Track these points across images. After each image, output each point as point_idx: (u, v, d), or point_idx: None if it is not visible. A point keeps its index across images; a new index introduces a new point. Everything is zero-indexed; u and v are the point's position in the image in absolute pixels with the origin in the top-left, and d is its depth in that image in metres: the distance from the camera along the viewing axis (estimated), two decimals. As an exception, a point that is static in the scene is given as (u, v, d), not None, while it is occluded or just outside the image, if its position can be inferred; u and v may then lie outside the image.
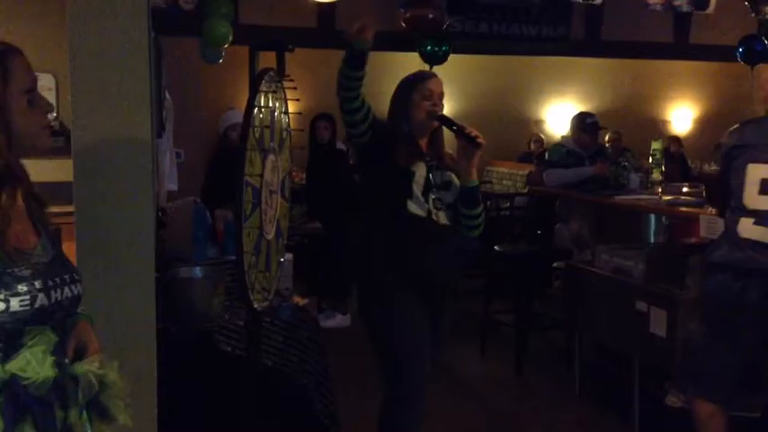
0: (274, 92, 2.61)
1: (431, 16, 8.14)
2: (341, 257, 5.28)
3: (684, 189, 4.94)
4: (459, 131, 2.89)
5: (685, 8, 9.64)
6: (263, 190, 2.48)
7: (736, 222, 3.07)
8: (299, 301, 3.43)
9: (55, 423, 1.52)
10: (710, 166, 8.62)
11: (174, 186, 5.14)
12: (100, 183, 2.54)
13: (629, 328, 3.92)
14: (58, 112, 5.43)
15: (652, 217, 4.73)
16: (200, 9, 6.84)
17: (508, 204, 7.50)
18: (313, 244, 6.06)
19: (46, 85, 5.55)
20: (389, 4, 8.33)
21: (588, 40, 10.18)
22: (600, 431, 4.14)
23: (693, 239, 4.05)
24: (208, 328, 3.09)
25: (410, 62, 7.27)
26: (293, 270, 3.54)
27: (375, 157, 2.97)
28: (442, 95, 3.00)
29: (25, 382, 1.48)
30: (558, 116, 10.88)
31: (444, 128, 3.01)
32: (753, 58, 8.60)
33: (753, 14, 8.66)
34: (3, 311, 1.48)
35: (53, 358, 1.52)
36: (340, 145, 6.33)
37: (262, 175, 2.45)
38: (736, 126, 3.23)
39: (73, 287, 1.62)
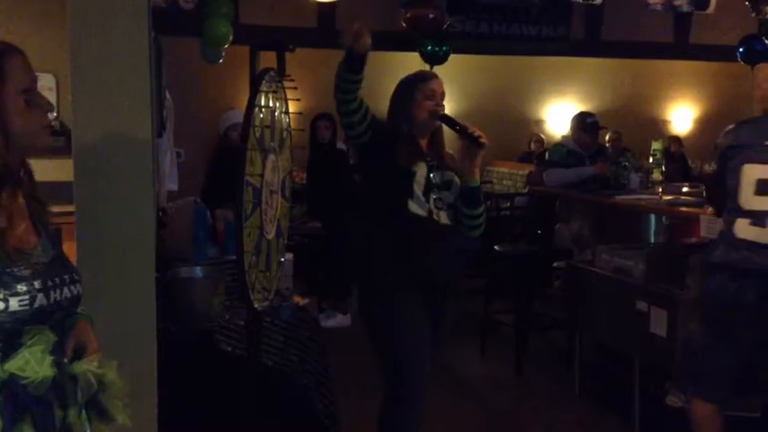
0: (275, 92, 2.61)
1: (431, 16, 8.15)
2: (341, 257, 5.29)
3: (685, 189, 4.95)
4: (463, 131, 2.89)
5: (685, 8, 9.62)
6: (264, 190, 2.48)
7: (733, 223, 3.07)
8: (300, 300, 3.43)
9: (54, 422, 1.53)
10: (710, 165, 8.58)
11: (174, 186, 5.13)
12: (100, 182, 2.54)
13: (629, 327, 3.92)
14: (58, 112, 5.43)
15: (652, 217, 4.73)
16: (201, 9, 6.85)
17: (508, 204, 7.50)
18: (313, 244, 6.05)
19: (46, 84, 5.55)
20: (389, 4, 8.34)
21: (588, 40, 10.18)
22: (600, 431, 4.14)
23: (694, 239, 4.05)
24: (208, 327, 3.08)
25: (410, 62, 7.26)
26: (293, 270, 3.54)
27: (375, 157, 2.96)
28: (443, 95, 3.00)
29: (24, 382, 1.48)
30: (558, 116, 10.87)
31: (444, 127, 3.01)
32: (753, 57, 8.58)
33: (753, 14, 8.65)
34: (2, 311, 1.48)
35: (52, 358, 1.52)
36: (340, 145, 6.33)
37: (262, 175, 2.45)
38: (731, 126, 3.21)
39: (73, 287, 1.62)
